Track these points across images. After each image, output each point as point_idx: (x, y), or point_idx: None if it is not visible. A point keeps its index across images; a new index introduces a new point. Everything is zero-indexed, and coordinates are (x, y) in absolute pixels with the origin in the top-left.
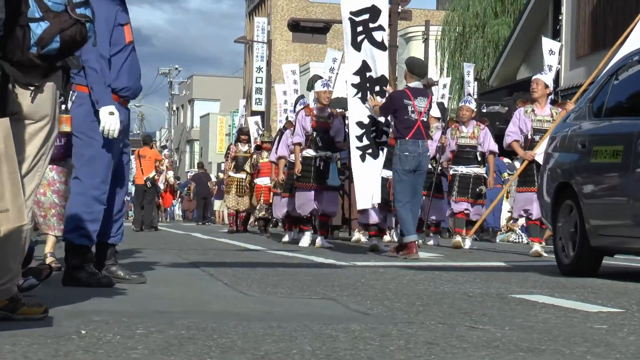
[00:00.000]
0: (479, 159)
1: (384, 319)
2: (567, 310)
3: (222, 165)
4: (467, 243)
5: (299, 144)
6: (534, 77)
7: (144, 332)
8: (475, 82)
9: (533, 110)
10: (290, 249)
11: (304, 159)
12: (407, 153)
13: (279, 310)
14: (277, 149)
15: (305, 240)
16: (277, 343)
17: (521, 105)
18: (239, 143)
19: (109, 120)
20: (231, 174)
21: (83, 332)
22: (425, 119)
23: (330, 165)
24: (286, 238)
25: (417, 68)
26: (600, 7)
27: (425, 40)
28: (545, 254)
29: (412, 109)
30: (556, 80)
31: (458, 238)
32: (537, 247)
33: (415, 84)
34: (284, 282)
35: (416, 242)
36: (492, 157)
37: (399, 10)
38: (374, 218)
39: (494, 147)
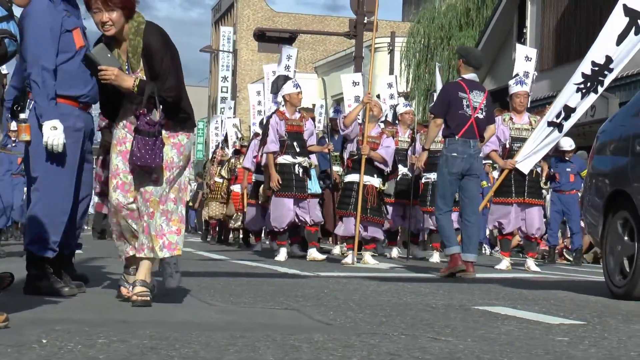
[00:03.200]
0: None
1: (347, 329)
2: (529, 322)
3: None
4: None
5: (274, 152)
6: (519, 91)
7: (105, 342)
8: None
9: (511, 119)
10: (256, 259)
11: (281, 166)
12: (455, 154)
13: (242, 320)
14: (258, 154)
15: (282, 254)
16: (239, 353)
17: (498, 114)
18: (225, 147)
19: (52, 135)
20: (217, 179)
21: (44, 341)
22: (480, 116)
23: (311, 172)
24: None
25: (473, 58)
26: (564, 22)
27: (391, 52)
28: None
29: (467, 103)
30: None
31: (436, 256)
32: (506, 261)
33: (471, 75)
34: (247, 292)
35: (460, 254)
36: None
37: (365, 21)
38: (350, 230)
39: None
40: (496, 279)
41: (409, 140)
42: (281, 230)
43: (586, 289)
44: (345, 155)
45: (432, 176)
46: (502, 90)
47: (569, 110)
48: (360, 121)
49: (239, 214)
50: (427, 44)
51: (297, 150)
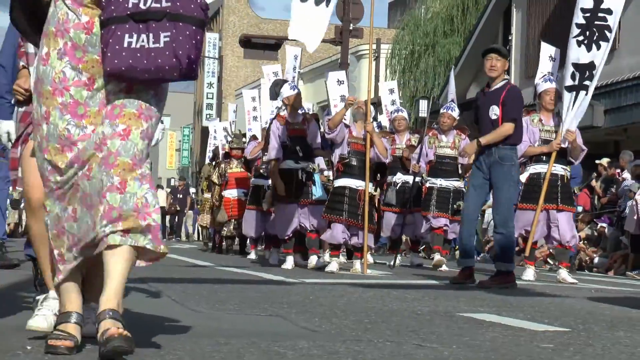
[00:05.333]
0: (460, 171)
1: (332, 336)
2: (514, 329)
3: (173, 180)
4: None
5: (277, 159)
6: (549, 88)
7: (90, 348)
8: (425, 101)
9: (540, 120)
10: (243, 266)
11: (283, 171)
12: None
13: (227, 327)
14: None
15: (289, 263)
16: None
17: (525, 115)
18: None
19: None
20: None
21: (29, 347)
22: None
23: (314, 177)
24: (288, 263)
25: None
26: (549, 28)
27: (377, 59)
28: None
29: None
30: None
31: (438, 256)
32: (531, 271)
33: None
34: (232, 298)
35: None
36: None
37: (350, 28)
38: (337, 237)
39: None
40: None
41: (405, 146)
42: (286, 238)
43: (571, 296)
44: (334, 159)
45: (438, 182)
46: None
47: (584, 68)
48: (347, 122)
49: (232, 220)
50: (412, 51)
51: (300, 155)
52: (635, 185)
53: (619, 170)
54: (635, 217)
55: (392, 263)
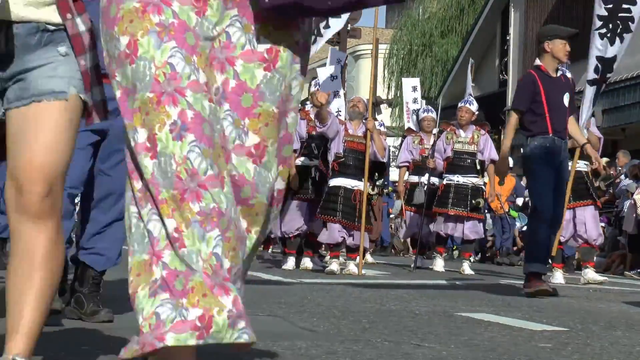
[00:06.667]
0: (478, 167)
1: (330, 336)
2: (512, 329)
3: None
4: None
5: (294, 151)
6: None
7: (87, 349)
8: (424, 100)
9: None
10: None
11: (297, 168)
12: None
13: None
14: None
15: (290, 263)
16: None
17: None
18: None
19: None
20: None
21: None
22: None
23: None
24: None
25: None
26: None
27: (375, 58)
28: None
29: None
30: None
31: (441, 262)
32: (560, 274)
33: None
34: None
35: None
36: (492, 167)
37: (348, 28)
38: (334, 237)
39: (496, 156)
40: (479, 285)
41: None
42: (291, 236)
43: (569, 295)
44: (330, 158)
45: (455, 178)
46: (487, 97)
47: (610, 62)
48: (343, 118)
49: None
50: (409, 51)
51: (315, 153)
52: (632, 185)
53: (616, 172)
54: (633, 217)
55: (413, 265)
